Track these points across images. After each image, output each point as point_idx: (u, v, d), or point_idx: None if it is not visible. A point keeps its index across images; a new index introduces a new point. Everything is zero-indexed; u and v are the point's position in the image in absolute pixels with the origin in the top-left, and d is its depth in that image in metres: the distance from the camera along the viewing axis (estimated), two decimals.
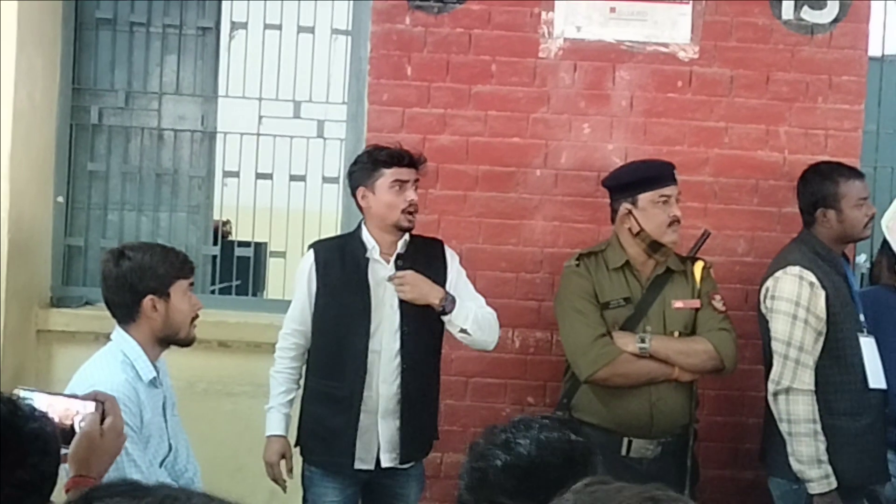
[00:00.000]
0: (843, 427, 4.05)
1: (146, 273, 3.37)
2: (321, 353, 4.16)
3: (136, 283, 3.36)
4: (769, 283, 4.15)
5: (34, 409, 2.11)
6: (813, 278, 4.06)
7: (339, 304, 4.10)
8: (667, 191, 4.13)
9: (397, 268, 4.08)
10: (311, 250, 4.24)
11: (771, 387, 4.07)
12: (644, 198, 4.13)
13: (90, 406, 2.51)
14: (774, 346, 4.08)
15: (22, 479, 1.98)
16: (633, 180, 4.22)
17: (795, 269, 4.09)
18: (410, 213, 4.06)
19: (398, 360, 4.07)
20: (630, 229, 4.17)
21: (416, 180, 4.12)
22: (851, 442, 4.06)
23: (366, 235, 4.13)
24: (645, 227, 4.13)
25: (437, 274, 4.16)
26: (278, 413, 4.19)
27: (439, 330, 4.19)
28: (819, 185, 4.21)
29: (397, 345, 4.07)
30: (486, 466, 2.09)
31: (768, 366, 4.13)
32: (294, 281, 4.31)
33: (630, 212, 4.16)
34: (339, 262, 4.13)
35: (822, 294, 4.06)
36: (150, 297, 3.36)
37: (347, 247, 4.17)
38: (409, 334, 4.08)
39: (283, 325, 4.28)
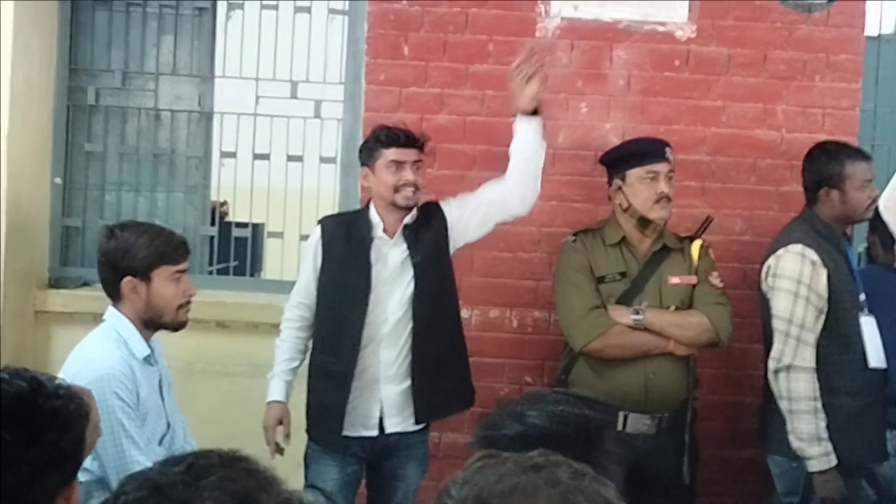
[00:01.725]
0: (842, 406, 4.05)
1: (127, 253, 3.36)
2: (322, 328, 4.18)
3: (118, 262, 3.36)
4: (771, 260, 4.15)
5: (59, 387, 2.11)
6: (815, 256, 4.06)
7: (341, 280, 4.12)
8: (655, 167, 4.15)
9: (406, 238, 4.11)
10: (319, 226, 4.26)
11: (772, 364, 4.07)
12: (632, 174, 4.17)
13: None
14: (775, 323, 4.08)
15: (38, 457, 1.98)
16: (622, 156, 4.28)
17: (797, 248, 4.08)
18: (409, 191, 4.07)
19: (409, 324, 4.10)
20: (620, 205, 4.22)
21: (418, 161, 4.13)
22: (851, 421, 4.06)
23: (373, 213, 4.15)
24: (633, 202, 4.17)
25: (440, 229, 4.20)
26: (279, 380, 4.21)
27: (445, 289, 4.24)
28: (825, 164, 4.20)
29: (401, 312, 4.09)
30: (496, 435, 2.07)
31: (768, 344, 4.13)
32: (303, 255, 4.32)
33: (620, 187, 4.21)
34: (344, 239, 4.15)
35: (824, 272, 4.06)
36: (128, 278, 3.36)
37: (354, 224, 4.18)
38: (419, 295, 4.10)
39: (289, 298, 4.30)
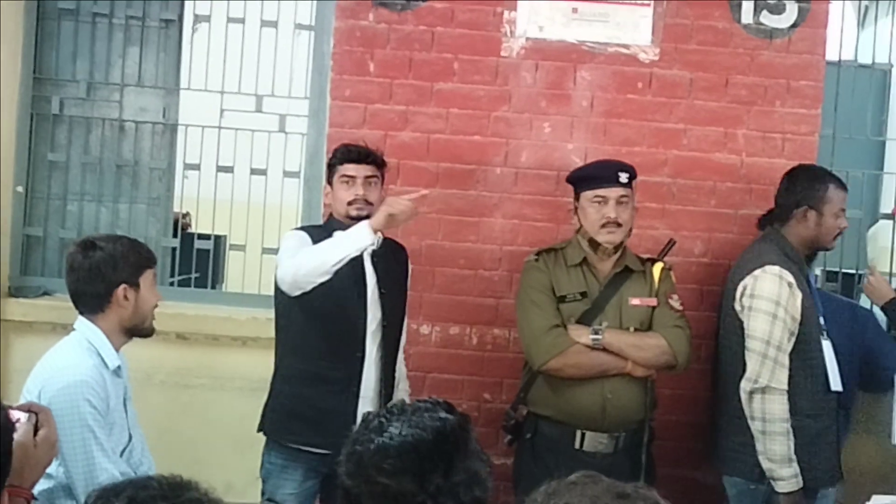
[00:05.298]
0: (805, 427, 4.09)
1: (118, 262, 3.40)
2: (313, 333, 4.15)
3: (110, 273, 3.39)
4: (747, 280, 4.15)
5: None
6: (791, 279, 4.09)
7: (335, 285, 3.94)
8: (602, 192, 4.18)
9: (374, 265, 4.16)
10: (302, 230, 4.29)
11: (747, 385, 4.07)
12: (584, 196, 4.23)
13: (24, 416, 2.46)
14: (751, 344, 4.09)
15: None
16: (576, 178, 4.34)
17: (775, 269, 4.11)
18: (359, 205, 4.12)
19: (379, 342, 4.17)
20: (575, 225, 4.28)
21: (372, 177, 4.18)
22: (813, 442, 4.11)
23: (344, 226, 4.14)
24: (584, 224, 4.22)
25: (400, 274, 4.37)
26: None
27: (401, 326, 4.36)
28: (809, 184, 4.25)
29: (377, 325, 4.17)
30: (361, 450, 2.21)
31: (734, 364, 4.17)
32: (283, 242, 4.21)
33: (575, 208, 4.26)
34: None
35: (800, 295, 4.09)
36: (122, 286, 3.39)
37: (333, 232, 4.14)
38: (388, 326, 4.20)
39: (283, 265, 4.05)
